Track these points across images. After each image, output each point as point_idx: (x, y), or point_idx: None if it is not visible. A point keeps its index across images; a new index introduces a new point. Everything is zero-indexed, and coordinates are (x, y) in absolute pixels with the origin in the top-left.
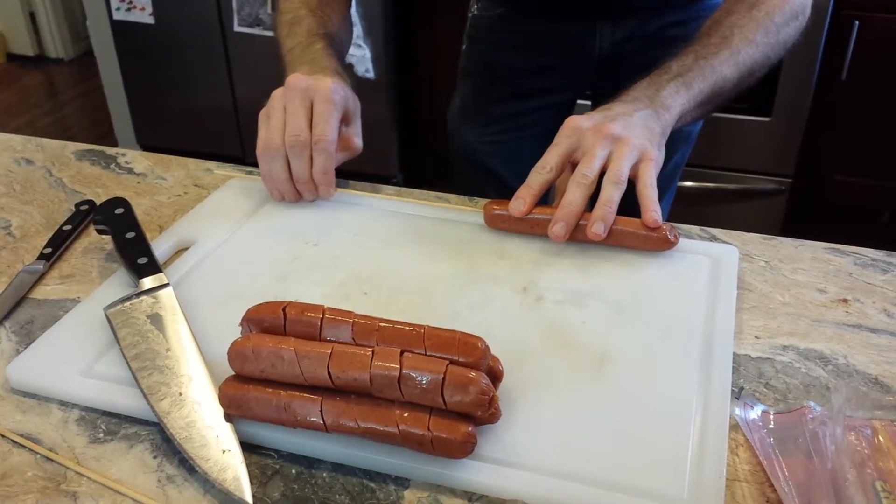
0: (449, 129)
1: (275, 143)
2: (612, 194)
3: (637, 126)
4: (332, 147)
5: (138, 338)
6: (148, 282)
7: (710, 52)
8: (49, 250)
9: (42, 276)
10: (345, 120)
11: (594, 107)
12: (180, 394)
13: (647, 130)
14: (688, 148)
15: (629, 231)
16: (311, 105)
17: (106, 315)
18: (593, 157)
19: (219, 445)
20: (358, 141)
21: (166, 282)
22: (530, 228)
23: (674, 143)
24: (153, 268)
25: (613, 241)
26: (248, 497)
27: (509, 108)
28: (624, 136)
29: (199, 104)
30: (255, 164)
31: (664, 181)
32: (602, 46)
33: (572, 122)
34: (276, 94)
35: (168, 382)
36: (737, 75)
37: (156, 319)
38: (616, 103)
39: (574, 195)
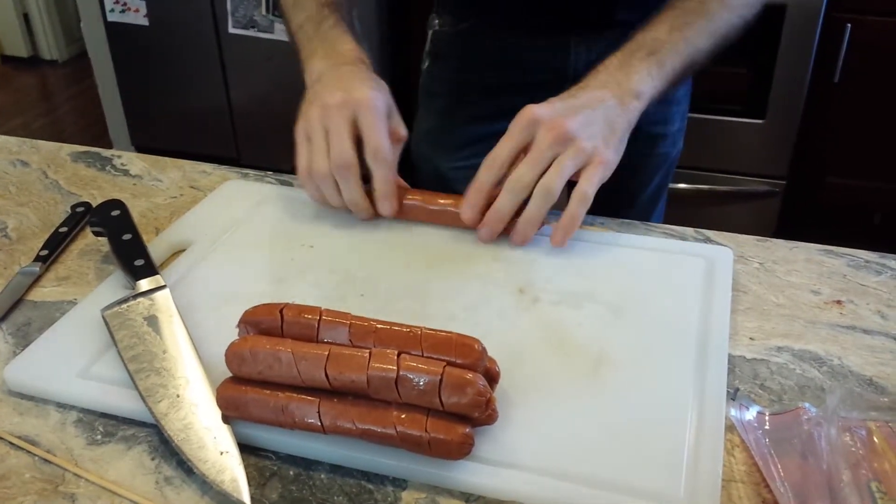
0: (414, 157)
1: (321, 167)
2: (537, 207)
3: (597, 122)
4: (389, 156)
5: (136, 340)
6: (145, 284)
7: (685, 21)
8: (45, 252)
9: (38, 278)
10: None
11: None
12: (178, 395)
13: (608, 128)
14: (669, 169)
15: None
16: (354, 119)
17: (103, 317)
18: (537, 159)
19: (216, 447)
20: (403, 129)
21: (163, 283)
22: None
23: (652, 167)
24: (150, 270)
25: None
26: (247, 498)
27: (480, 130)
28: (576, 138)
29: (194, 106)
30: (251, 166)
31: (646, 204)
32: (577, 66)
33: (529, 112)
34: (314, 114)
35: (166, 384)
36: (712, 45)
37: (153, 321)
38: (583, 90)
39: (504, 203)
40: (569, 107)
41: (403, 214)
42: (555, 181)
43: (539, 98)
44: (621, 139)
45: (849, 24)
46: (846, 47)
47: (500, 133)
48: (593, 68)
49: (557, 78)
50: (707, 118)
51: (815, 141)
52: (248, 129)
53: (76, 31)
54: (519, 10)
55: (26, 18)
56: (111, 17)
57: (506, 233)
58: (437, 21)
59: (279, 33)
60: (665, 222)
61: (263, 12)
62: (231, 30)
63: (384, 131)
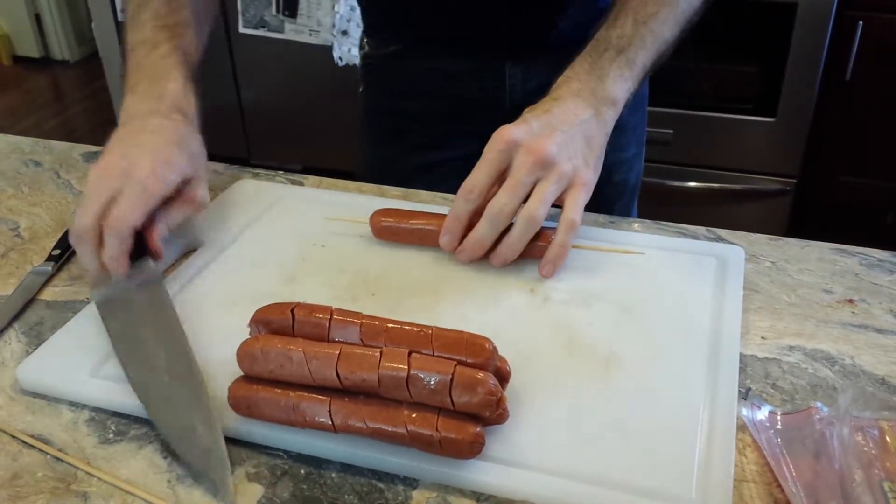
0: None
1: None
2: (521, 236)
3: (575, 140)
4: (126, 231)
5: (127, 330)
6: (144, 277)
7: (648, 11)
8: (57, 252)
9: (50, 277)
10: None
11: None
12: (167, 388)
13: (586, 147)
14: (630, 198)
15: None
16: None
17: (96, 304)
18: (516, 186)
19: (202, 440)
20: (198, 196)
21: (162, 277)
22: (420, 240)
23: (609, 196)
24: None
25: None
26: (230, 489)
27: (419, 160)
28: (556, 162)
29: (205, 105)
30: (263, 166)
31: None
32: (514, 91)
33: (505, 133)
34: (93, 175)
35: (155, 376)
36: (678, 33)
37: (147, 313)
38: (556, 103)
39: (484, 233)
40: (545, 125)
41: (383, 236)
42: (538, 210)
43: (478, 125)
44: (599, 155)
45: (860, 22)
46: (858, 45)
47: (447, 162)
48: (529, 103)
49: (495, 104)
50: (718, 117)
51: (826, 139)
52: (259, 128)
53: (87, 31)
54: (445, 31)
55: (38, 19)
56: (122, 18)
57: (485, 255)
58: (366, 43)
59: (290, 33)
60: (676, 221)
61: (274, 12)
62: (241, 30)
63: (135, 208)
